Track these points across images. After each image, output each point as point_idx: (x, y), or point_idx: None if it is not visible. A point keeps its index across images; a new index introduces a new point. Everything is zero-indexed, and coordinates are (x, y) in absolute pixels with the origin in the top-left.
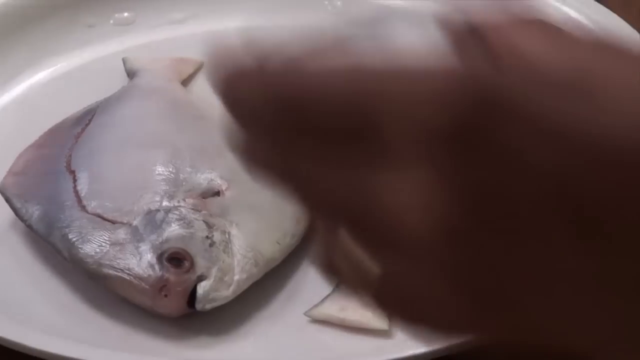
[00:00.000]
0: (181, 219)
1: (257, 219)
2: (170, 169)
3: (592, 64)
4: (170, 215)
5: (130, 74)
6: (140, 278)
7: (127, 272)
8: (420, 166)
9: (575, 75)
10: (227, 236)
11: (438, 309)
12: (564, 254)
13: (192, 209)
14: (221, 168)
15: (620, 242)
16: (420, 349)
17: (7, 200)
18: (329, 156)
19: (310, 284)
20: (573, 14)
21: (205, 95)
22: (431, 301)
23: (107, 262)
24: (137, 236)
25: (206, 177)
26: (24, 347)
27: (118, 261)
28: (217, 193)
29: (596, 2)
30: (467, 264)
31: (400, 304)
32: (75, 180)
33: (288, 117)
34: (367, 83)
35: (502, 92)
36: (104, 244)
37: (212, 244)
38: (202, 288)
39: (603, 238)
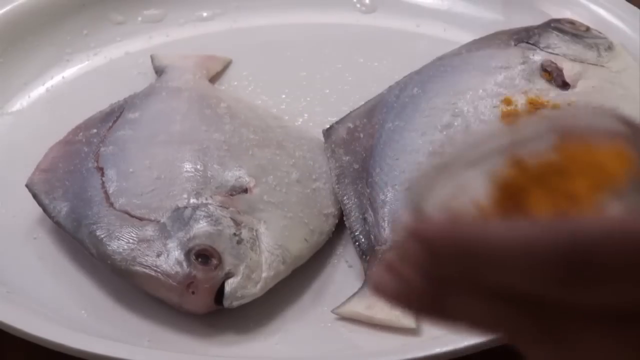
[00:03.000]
0: (209, 216)
1: (285, 217)
2: (198, 166)
3: None
4: (198, 212)
5: (159, 71)
6: (167, 275)
7: (155, 269)
8: None
9: None
10: (254, 233)
11: None
12: None
13: (220, 206)
14: (249, 165)
15: None
16: (446, 347)
17: (35, 196)
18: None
19: (337, 282)
20: (603, 13)
21: (232, 93)
22: None
23: (135, 259)
24: (164, 233)
25: (234, 175)
26: (50, 342)
27: (146, 258)
28: (245, 190)
29: (626, 2)
30: None
31: None
32: (103, 177)
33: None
34: None
35: None
36: (131, 240)
37: (239, 241)
38: (229, 285)
39: None
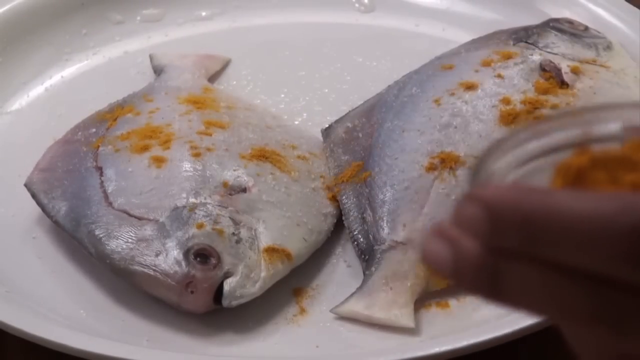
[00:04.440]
0: (208, 215)
1: (284, 216)
2: (197, 166)
3: None
4: (196, 211)
5: (157, 70)
6: (166, 274)
7: (154, 268)
8: None
9: None
10: (253, 233)
11: None
12: None
13: (219, 205)
14: (248, 165)
15: None
16: (445, 346)
17: (34, 196)
18: None
19: (336, 281)
20: (602, 12)
21: (231, 92)
22: None
23: (134, 258)
24: (163, 233)
25: (233, 174)
26: (49, 341)
27: (144, 257)
28: (244, 190)
29: (625, 2)
30: None
31: None
32: (101, 177)
33: None
34: None
35: None
36: (130, 240)
37: (238, 241)
38: (228, 285)
39: None
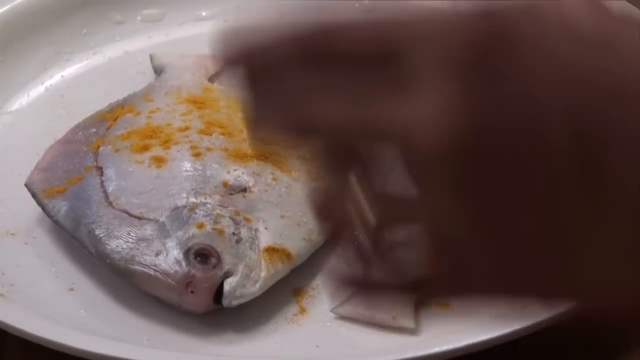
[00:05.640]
0: (208, 215)
1: (284, 216)
2: (197, 166)
3: (616, 30)
4: (197, 211)
5: (158, 70)
6: (166, 274)
7: (154, 268)
8: (439, 86)
9: (599, 35)
10: (253, 232)
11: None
12: (573, 200)
13: (219, 205)
14: (248, 164)
15: (621, 190)
16: (445, 346)
17: (34, 195)
18: (345, 84)
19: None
20: None
21: (231, 92)
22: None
23: (134, 258)
24: (163, 232)
25: (233, 174)
26: (49, 341)
27: (145, 257)
28: (244, 189)
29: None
30: (479, 183)
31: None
32: (102, 176)
33: (309, 48)
34: (392, 25)
35: (522, 29)
36: (130, 240)
37: (238, 240)
38: (228, 284)
39: (608, 189)
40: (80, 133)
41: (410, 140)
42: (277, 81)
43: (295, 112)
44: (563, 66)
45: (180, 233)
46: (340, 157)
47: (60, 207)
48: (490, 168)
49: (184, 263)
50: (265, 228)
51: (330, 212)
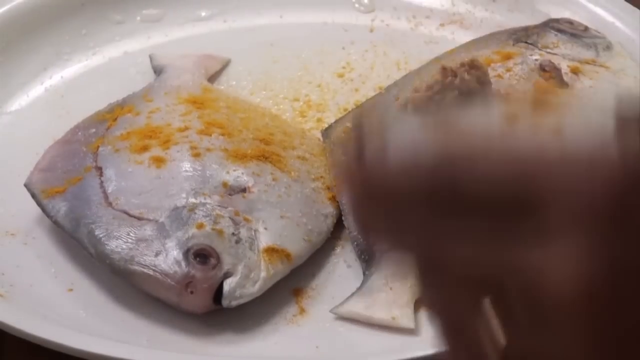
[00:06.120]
0: (207, 215)
1: (284, 216)
2: (197, 166)
3: None
4: (196, 211)
5: (157, 70)
6: (166, 274)
7: (153, 268)
8: (576, 237)
9: None
10: (253, 233)
11: None
12: None
13: (219, 205)
14: (247, 165)
15: None
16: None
17: (34, 196)
18: (478, 233)
19: (336, 282)
20: (602, 12)
21: (231, 92)
22: None
23: (133, 259)
24: (163, 233)
25: (233, 174)
26: (49, 341)
27: (144, 257)
28: (244, 190)
29: (625, 2)
30: (608, 336)
31: None
32: (101, 177)
33: (437, 186)
34: (524, 165)
35: None
36: (130, 240)
37: (238, 241)
38: (228, 285)
39: None
40: (79, 133)
41: (542, 283)
42: (405, 219)
43: (428, 251)
44: None
45: (179, 233)
46: (472, 286)
47: (60, 207)
48: (623, 315)
49: (183, 263)
50: (265, 228)
51: (461, 333)
